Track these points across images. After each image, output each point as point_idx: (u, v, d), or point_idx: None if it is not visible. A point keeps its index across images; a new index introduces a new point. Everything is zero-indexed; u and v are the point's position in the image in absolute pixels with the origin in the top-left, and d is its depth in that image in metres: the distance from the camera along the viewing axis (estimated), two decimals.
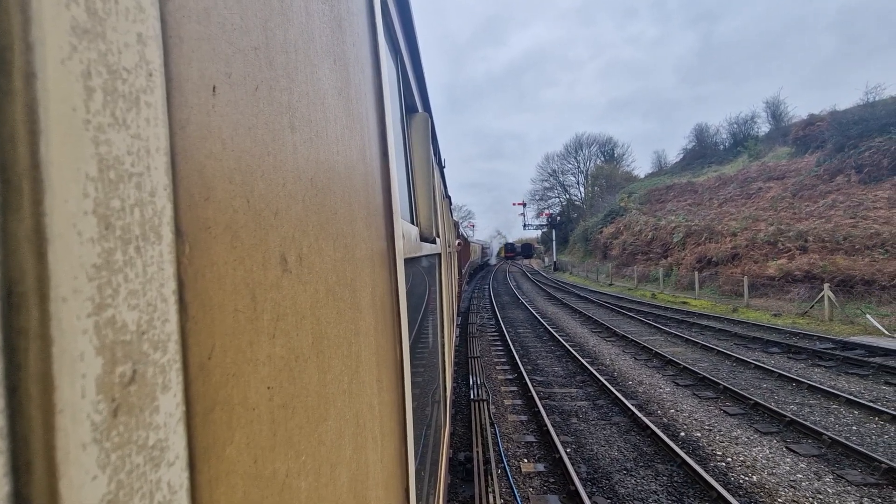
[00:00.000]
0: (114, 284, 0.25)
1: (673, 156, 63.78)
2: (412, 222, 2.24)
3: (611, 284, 34.58)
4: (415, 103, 2.57)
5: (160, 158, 0.29)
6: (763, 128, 46.03)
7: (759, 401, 8.23)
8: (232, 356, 0.38)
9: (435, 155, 4.35)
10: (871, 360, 10.55)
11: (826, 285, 16.49)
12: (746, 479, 5.93)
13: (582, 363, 11.28)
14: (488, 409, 7.79)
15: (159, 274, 0.29)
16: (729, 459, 6.46)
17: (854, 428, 7.36)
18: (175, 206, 0.31)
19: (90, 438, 0.22)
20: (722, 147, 48.95)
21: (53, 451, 0.21)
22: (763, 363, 10.97)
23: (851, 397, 8.30)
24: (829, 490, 5.60)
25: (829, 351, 11.65)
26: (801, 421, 7.31)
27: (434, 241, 2.88)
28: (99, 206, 0.24)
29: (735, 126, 48.06)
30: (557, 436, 6.98)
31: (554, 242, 63.33)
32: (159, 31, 0.30)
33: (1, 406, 0.19)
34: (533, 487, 5.84)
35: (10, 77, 0.20)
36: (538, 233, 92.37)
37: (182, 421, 0.30)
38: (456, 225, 15.53)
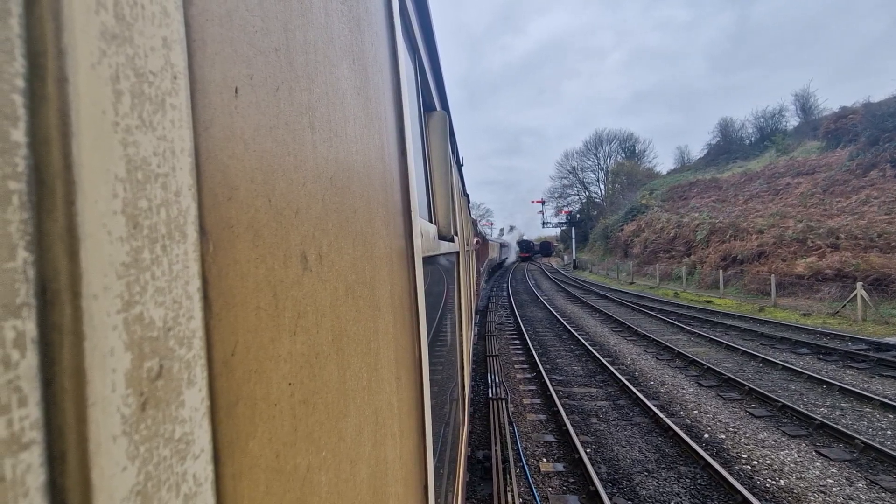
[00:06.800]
0: (141, 282, 0.25)
1: (696, 151, 62.34)
2: (430, 220, 2.24)
3: (632, 283, 33.96)
4: (433, 101, 2.57)
5: (185, 159, 0.30)
6: (791, 121, 44.53)
7: (787, 403, 7.97)
8: (254, 353, 0.38)
9: (453, 153, 4.34)
10: None
11: (859, 284, 15.84)
12: (773, 482, 5.76)
13: (602, 362, 11.12)
14: (507, 407, 7.76)
15: (184, 272, 0.29)
16: (755, 462, 6.29)
17: (889, 432, 7.06)
18: (199, 206, 0.32)
19: (120, 431, 0.23)
20: (748, 142, 47.47)
21: (86, 443, 0.21)
22: (791, 364, 10.61)
23: (886, 400, 7.96)
24: (861, 496, 5.40)
25: (862, 352, 11.18)
26: (832, 424, 7.04)
27: (452, 240, 2.88)
28: (127, 206, 0.25)
29: (762, 120, 46.60)
30: (577, 436, 6.90)
31: (573, 240, 62.54)
32: (183, 35, 0.31)
33: (37, 399, 0.20)
34: (552, 487, 5.79)
35: (44, 82, 0.21)
36: (557, 231, 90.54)
37: (207, 415, 0.31)
38: (474, 223, 15.50)
